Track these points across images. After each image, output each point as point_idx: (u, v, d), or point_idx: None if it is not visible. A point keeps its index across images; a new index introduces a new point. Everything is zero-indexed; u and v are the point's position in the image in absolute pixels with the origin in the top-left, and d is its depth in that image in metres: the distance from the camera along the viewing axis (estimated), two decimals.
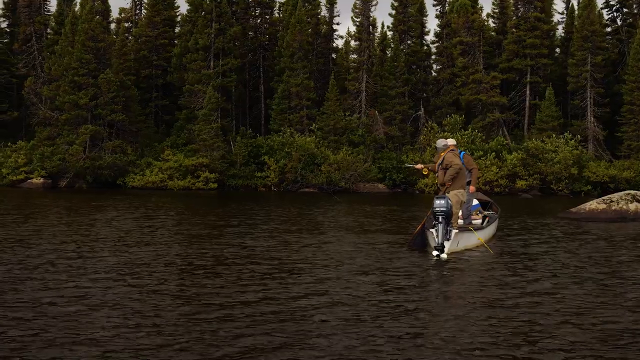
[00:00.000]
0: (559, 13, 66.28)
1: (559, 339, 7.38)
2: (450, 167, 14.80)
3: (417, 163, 19.80)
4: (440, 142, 15.53)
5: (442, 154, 15.25)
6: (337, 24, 67.70)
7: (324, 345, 7.09)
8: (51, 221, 20.70)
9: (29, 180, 49.27)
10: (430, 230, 14.00)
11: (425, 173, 16.30)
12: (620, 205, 24.08)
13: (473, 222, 16.12)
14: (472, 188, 16.38)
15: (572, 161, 48.61)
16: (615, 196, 25.19)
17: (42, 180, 49.16)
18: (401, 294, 9.67)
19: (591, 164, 50.53)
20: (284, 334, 7.41)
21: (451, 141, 15.56)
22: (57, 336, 7.22)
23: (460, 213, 15.25)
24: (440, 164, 15.19)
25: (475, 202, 17.22)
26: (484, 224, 16.42)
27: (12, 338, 7.16)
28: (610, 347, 7.12)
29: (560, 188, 49.04)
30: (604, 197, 25.55)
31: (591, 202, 25.48)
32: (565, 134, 50.84)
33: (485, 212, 17.46)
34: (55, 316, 8.08)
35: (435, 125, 52.78)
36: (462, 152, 16.37)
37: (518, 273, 11.64)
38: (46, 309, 8.42)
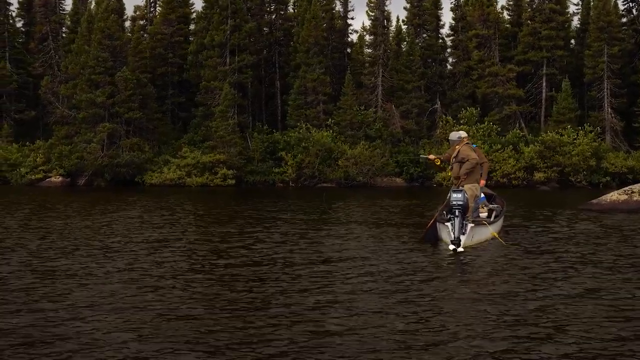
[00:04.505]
0: (574, 4, 65.85)
1: (575, 330, 7.42)
2: (467, 160, 14.72)
3: (430, 154, 19.70)
4: (454, 135, 15.47)
5: (457, 147, 15.16)
6: (352, 18, 67.45)
7: (339, 337, 7.20)
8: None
9: (47, 179, 49.64)
10: (445, 223, 13.98)
11: (438, 163, 16.13)
12: None
13: (480, 215, 16.07)
14: (482, 182, 16.33)
15: (590, 153, 48.42)
16: (636, 187, 25.03)
17: (60, 178, 49.56)
18: (417, 287, 9.71)
19: (609, 155, 50.27)
20: (294, 328, 7.50)
21: (463, 133, 15.53)
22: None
23: None
24: (455, 157, 15.11)
25: (481, 195, 17.20)
26: (492, 217, 16.42)
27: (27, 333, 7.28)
28: (622, 337, 7.15)
29: (578, 180, 48.86)
30: (624, 188, 25.41)
31: (612, 193, 25.35)
32: (585, 126, 50.58)
33: (491, 205, 17.46)
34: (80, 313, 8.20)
35: (450, 118, 52.68)
36: (474, 145, 16.29)
37: (538, 266, 11.59)
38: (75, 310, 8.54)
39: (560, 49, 55.67)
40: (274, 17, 61.60)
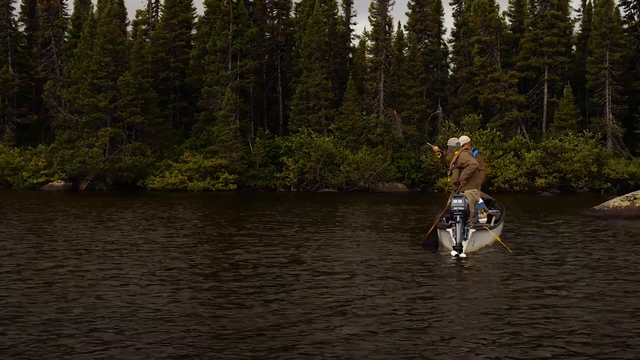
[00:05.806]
0: (576, 10, 65.99)
1: (577, 334, 7.43)
2: (467, 166, 14.73)
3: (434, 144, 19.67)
4: (453, 141, 15.47)
5: (456, 152, 15.18)
6: (354, 24, 67.39)
7: (342, 343, 7.19)
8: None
9: (49, 183, 49.61)
10: (447, 230, 14.01)
11: (439, 156, 16.09)
12: None
13: (480, 220, 16.09)
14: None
15: (591, 159, 48.41)
16: (638, 193, 25.08)
17: (62, 182, 49.53)
18: (417, 293, 9.74)
19: (611, 161, 50.21)
20: (299, 334, 7.52)
21: (465, 139, 15.49)
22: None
23: None
24: (454, 162, 15.13)
25: (480, 200, 17.22)
26: (492, 222, 16.43)
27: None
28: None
29: (580, 186, 48.85)
30: (627, 195, 25.44)
31: (614, 199, 25.37)
32: (585, 132, 50.58)
33: (490, 211, 17.49)
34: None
35: (452, 124, 52.64)
36: (476, 152, 16.27)
37: (539, 271, 11.64)
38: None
39: (561, 55, 55.65)
40: (276, 22, 61.59)
